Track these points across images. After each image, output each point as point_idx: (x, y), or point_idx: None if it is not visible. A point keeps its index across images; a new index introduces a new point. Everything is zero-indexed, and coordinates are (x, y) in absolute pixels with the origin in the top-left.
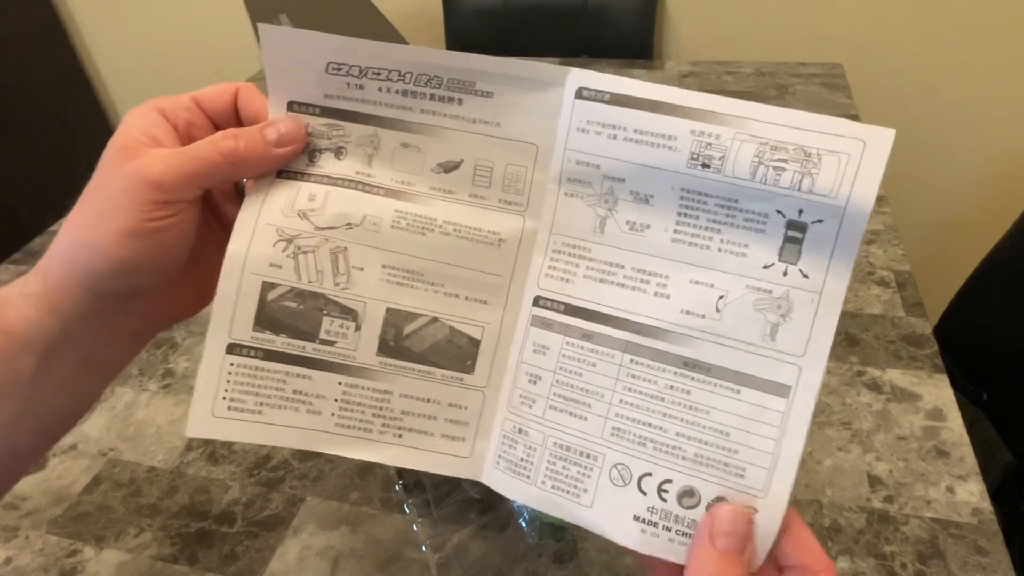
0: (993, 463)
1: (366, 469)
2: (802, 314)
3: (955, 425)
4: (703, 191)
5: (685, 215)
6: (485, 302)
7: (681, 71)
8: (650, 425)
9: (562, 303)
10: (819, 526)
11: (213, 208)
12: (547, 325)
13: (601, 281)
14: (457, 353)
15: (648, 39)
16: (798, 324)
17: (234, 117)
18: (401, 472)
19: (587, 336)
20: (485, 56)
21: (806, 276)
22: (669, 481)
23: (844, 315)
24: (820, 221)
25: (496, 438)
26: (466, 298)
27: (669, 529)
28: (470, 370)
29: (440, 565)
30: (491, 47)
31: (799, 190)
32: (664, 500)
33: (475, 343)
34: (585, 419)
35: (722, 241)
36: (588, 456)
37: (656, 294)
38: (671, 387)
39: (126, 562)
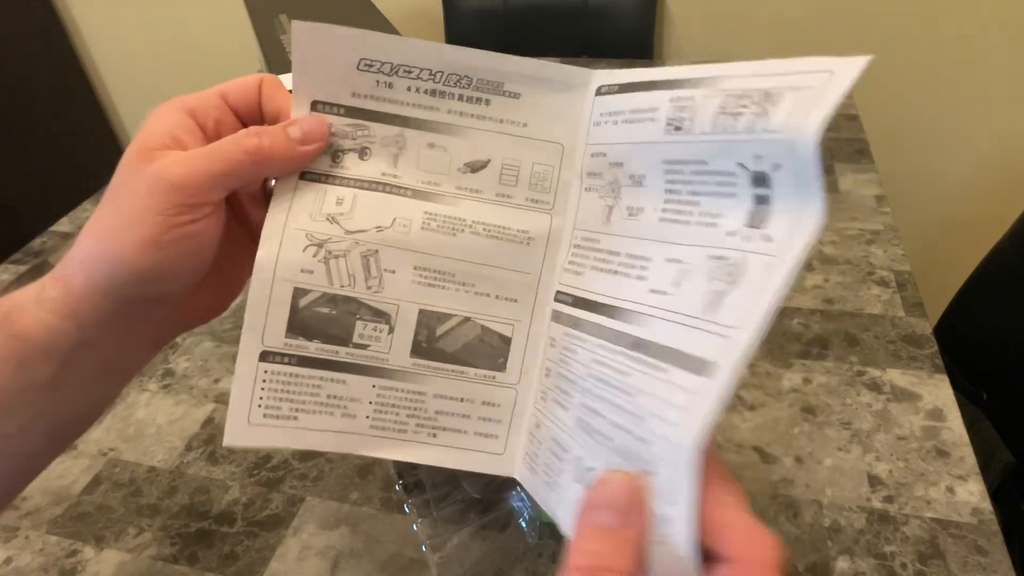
0: (993, 463)
1: (366, 469)
2: (751, 281)
3: (955, 425)
4: (679, 158)
5: (670, 190)
6: (515, 300)
7: None
8: (595, 412)
9: (570, 295)
10: (819, 526)
11: (237, 210)
12: (557, 318)
13: (601, 271)
14: (489, 352)
15: (648, 39)
16: (744, 292)
17: (258, 112)
18: (401, 472)
19: (576, 324)
20: (515, 57)
21: (770, 240)
22: (591, 469)
23: (844, 315)
24: (778, 166)
25: (525, 434)
26: (497, 297)
27: None
28: (502, 368)
29: (440, 565)
30: (491, 47)
31: (753, 131)
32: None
33: (506, 341)
34: (568, 410)
35: (700, 213)
36: (564, 448)
37: (638, 277)
38: (619, 370)
39: (126, 562)
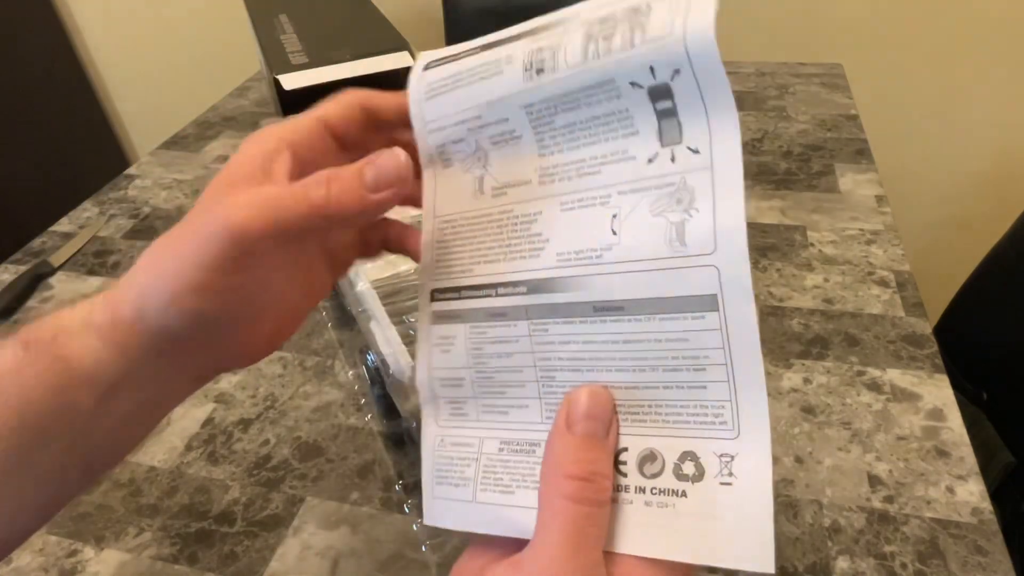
0: (993, 463)
1: (366, 469)
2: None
3: (955, 425)
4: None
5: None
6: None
7: None
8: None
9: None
10: (819, 526)
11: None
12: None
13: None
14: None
15: None
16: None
17: (362, 133)
18: (401, 472)
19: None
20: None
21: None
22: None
23: (844, 315)
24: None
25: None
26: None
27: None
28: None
29: (440, 565)
30: None
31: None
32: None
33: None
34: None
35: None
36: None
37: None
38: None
39: (126, 562)
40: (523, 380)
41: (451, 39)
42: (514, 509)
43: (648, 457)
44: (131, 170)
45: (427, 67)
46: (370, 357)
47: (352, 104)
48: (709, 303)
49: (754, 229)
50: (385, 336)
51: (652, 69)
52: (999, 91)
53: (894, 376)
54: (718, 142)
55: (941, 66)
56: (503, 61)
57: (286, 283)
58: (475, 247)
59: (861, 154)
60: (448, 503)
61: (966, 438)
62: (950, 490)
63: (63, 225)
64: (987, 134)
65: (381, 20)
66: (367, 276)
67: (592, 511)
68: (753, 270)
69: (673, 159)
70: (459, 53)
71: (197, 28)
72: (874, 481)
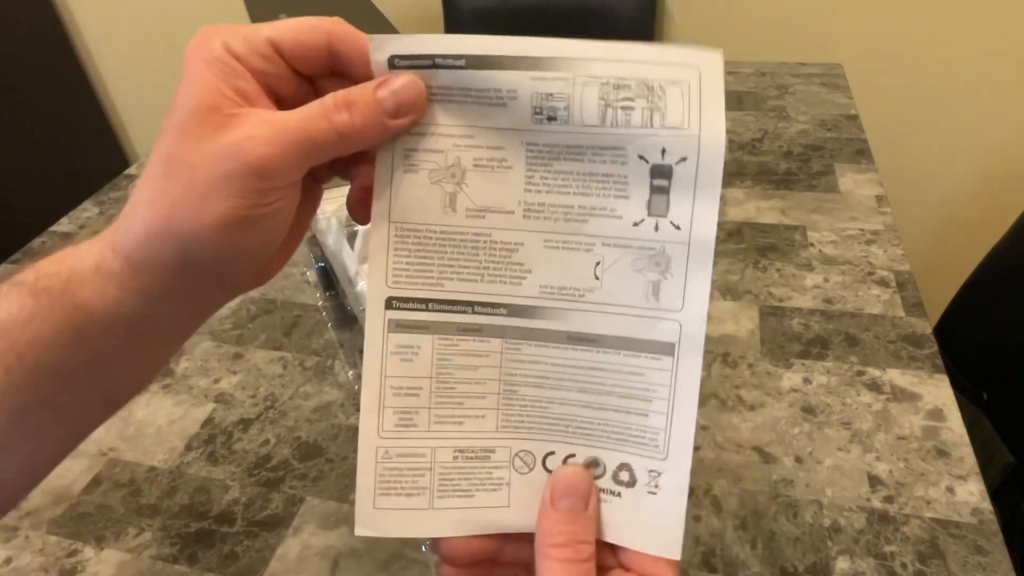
0: (993, 463)
1: None
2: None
3: (955, 425)
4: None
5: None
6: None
7: None
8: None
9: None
10: (819, 526)
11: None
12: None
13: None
14: None
15: (648, 39)
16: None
17: (325, 66)
18: None
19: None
20: None
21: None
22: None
23: (844, 315)
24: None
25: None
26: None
27: None
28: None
29: (440, 565)
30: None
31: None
32: None
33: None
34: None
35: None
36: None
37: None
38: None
39: (126, 562)
40: (484, 392)
41: None
42: (477, 510)
43: (592, 463)
44: (131, 170)
45: (394, 64)
46: None
47: (313, 36)
48: (667, 349)
49: (754, 229)
50: None
51: (663, 151)
52: (999, 91)
53: (894, 376)
54: (698, 224)
55: (941, 66)
56: (505, 94)
57: (294, 207)
58: (445, 263)
59: (861, 154)
60: (398, 513)
61: (966, 438)
62: (950, 490)
63: (63, 225)
64: (987, 134)
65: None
66: (367, 276)
67: (579, 567)
68: (753, 270)
69: (657, 228)
70: (434, 56)
71: (197, 28)
72: (874, 481)
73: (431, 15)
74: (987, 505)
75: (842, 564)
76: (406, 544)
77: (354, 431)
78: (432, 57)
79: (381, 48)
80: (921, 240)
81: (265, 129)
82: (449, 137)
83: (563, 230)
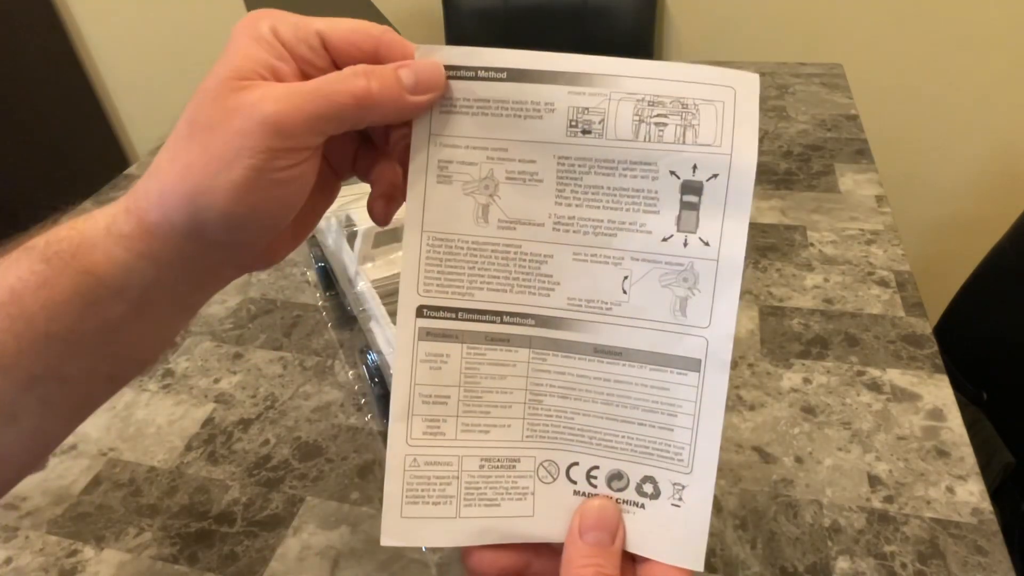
0: (993, 463)
1: (366, 469)
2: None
3: (955, 425)
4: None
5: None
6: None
7: None
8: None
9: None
10: (819, 526)
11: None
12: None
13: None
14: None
15: (648, 39)
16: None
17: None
18: None
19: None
20: None
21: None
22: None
23: (844, 315)
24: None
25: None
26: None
27: None
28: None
29: (440, 565)
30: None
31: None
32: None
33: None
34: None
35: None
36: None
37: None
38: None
39: (126, 562)
40: (511, 401)
41: (451, 39)
42: (502, 520)
43: (615, 475)
44: (131, 170)
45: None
46: (370, 357)
47: (365, 39)
48: (693, 365)
49: (754, 229)
50: (385, 336)
51: (695, 167)
52: (999, 91)
53: (894, 376)
54: (727, 241)
55: (941, 66)
56: (543, 107)
57: (310, 181)
58: (476, 272)
59: (861, 154)
60: (425, 522)
61: (966, 438)
62: (950, 490)
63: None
64: (987, 134)
65: (381, 20)
66: (367, 276)
67: None
68: (753, 270)
69: (686, 244)
70: (478, 69)
71: (197, 28)
72: (874, 481)
73: (431, 15)
74: (987, 505)
75: (842, 564)
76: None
77: (354, 431)
78: (475, 69)
79: (427, 56)
80: (921, 240)
81: (281, 90)
82: (483, 150)
83: (592, 243)
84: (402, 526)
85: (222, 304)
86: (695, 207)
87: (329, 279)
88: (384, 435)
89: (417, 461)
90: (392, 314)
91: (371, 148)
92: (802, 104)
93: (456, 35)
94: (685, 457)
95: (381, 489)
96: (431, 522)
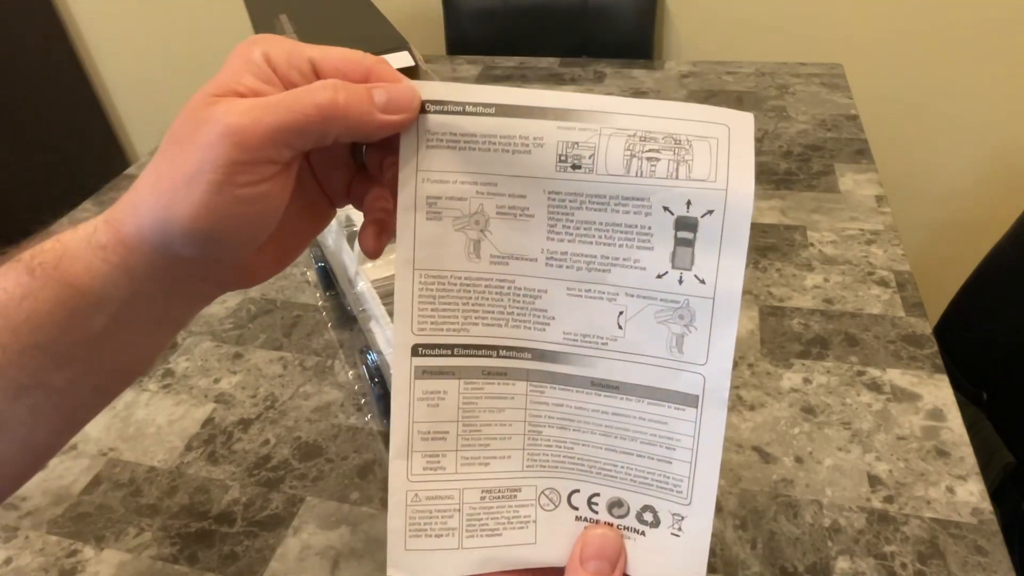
0: (993, 463)
1: (366, 469)
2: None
3: (955, 425)
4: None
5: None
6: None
7: (681, 71)
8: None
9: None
10: (819, 526)
11: (313, 167)
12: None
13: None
14: None
15: (648, 39)
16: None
17: None
18: None
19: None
20: None
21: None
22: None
23: (844, 315)
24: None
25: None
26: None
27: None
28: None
29: None
30: (491, 47)
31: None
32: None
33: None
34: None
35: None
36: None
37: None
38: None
39: (126, 562)
40: (510, 433)
41: (451, 39)
42: (505, 548)
43: (616, 503)
44: (131, 170)
45: (425, 108)
46: (370, 357)
47: (355, 67)
48: (691, 401)
49: (754, 229)
50: (385, 336)
51: (689, 203)
52: (999, 91)
53: (894, 376)
54: (723, 278)
55: (941, 66)
56: (532, 141)
57: (287, 208)
58: (470, 308)
59: (861, 154)
60: (428, 554)
61: (966, 438)
62: (950, 490)
63: (63, 225)
64: (987, 134)
65: (381, 20)
66: (367, 276)
67: None
68: (753, 270)
69: (681, 281)
70: (465, 104)
71: (197, 28)
72: (874, 481)
73: (431, 15)
74: (987, 505)
75: (842, 564)
76: None
77: (354, 431)
78: (462, 104)
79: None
80: (921, 240)
81: (245, 103)
82: (472, 185)
83: (586, 279)
84: (407, 559)
85: (222, 304)
86: (690, 243)
87: (329, 279)
88: (384, 435)
89: (419, 496)
90: (392, 315)
91: (366, 176)
92: (802, 104)
93: (456, 35)
94: (684, 489)
95: (381, 489)
96: (434, 554)
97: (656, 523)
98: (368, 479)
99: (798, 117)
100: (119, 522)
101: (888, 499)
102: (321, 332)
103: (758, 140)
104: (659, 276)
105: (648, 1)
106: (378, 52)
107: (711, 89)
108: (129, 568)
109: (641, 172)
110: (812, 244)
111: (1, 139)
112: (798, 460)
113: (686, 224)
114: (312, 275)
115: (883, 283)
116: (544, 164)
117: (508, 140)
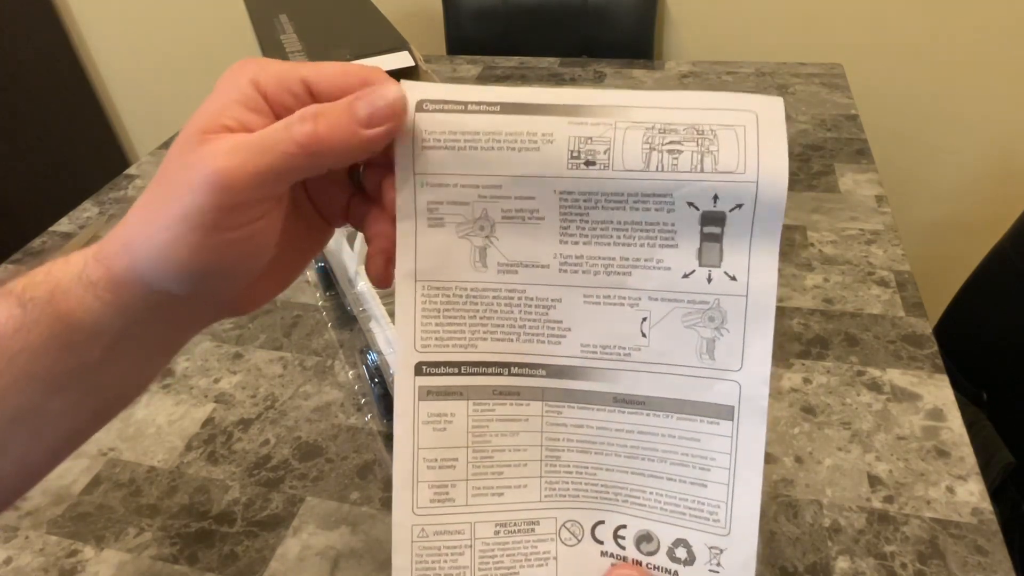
0: (993, 463)
1: (366, 469)
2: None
3: (955, 425)
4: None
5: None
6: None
7: (681, 71)
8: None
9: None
10: (819, 526)
11: (308, 191)
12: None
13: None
14: None
15: (648, 39)
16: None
17: None
18: None
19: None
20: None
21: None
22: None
23: (844, 315)
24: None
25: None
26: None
27: None
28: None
29: None
30: (491, 47)
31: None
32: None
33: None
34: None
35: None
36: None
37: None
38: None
39: (126, 562)
40: (525, 459)
41: (451, 39)
42: None
43: (644, 537)
44: (131, 170)
45: (421, 108)
46: (370, 357)
47: (348, 80)
48: (726, 413)
49: None
50: (385, 336)
51: (715, 197)
52: (999, 91)
53: (894, 376)
54: (756, 273)
55: (941, 66)
56: (540, 138)
57: (282, 234)
58: (477, 322)
59: (861, 154)
60: None
61: (966, 438)
62: (950, 490)
63: (63, 225)
64: (987, 134)
65: (381, 20)
66: (367, 276)
67: None
68: None
69: (709, 280)
70: (466, 103)
71: (197, 28)
72: (874, 481)
73: (431, 15)
74: (987, 505)
75: (842, 564)
76: None
77: (354, 431)
78: (464, 103)
79: (410, 92)
80: (921, 240)
81: (230, 143)
82: (474, 188)
83: (604, 284)
84: None
85: None
86: (718, 239)
87: (329, 279)
88: (384, 435)
89: (425, 531)
90: (392, 314)
91: (365, 197)
92: (802, 104)
93: (456, 35)
94: (721, 517)
95: (381, 489)
96: None
97: (690, 560)
98: (368, 479)
99: (798, 117)
100: (119, 522)
101: (888, 499)
102: (321, 332)
103: None
104: (685, 276)
105: (648, 1)
106: (378, 52)
107: (711, 89)
108: (129, 568)
109: (662, 166)
110: (812, 244)
111: (1, 139)
112: (798, 460)
113: (713, 219)
114: (312, 275)
115: (883, 283)
116: (554, 162)
117: (514, 137)
